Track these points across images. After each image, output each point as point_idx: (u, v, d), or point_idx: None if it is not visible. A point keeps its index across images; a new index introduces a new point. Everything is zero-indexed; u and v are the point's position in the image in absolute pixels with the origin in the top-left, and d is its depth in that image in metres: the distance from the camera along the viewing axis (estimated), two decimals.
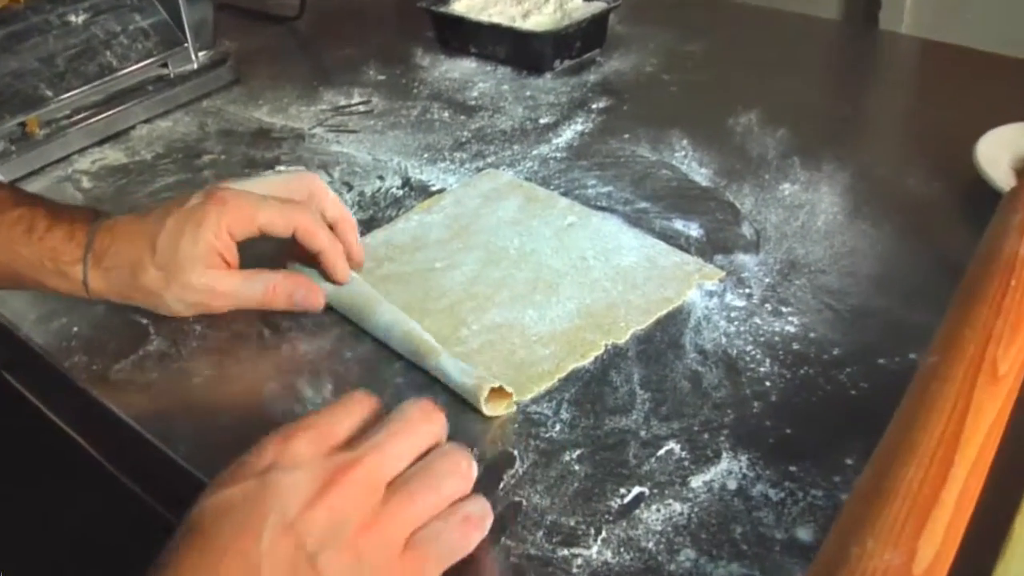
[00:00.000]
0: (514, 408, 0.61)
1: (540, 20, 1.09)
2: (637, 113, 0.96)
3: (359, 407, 0.52)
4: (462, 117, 0.97)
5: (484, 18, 1.09)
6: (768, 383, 0.61)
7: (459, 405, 0.61)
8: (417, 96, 1.03)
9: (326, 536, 0.45)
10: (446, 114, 0.98)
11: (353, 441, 0.49)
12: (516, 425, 0.60)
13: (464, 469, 0.50)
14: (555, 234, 0.76)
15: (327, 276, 0.70)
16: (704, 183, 0.83)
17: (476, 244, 0.76)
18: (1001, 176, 0.78)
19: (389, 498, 0.47)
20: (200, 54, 1.10)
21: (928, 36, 1.09)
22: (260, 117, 1.01)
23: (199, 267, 0.66)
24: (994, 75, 0.99)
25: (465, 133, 0.94)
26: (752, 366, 0.63)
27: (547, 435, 0.59)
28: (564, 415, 0.60)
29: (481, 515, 0.50)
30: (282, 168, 0.90)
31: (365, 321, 0.68)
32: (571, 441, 0.58)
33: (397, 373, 0.65)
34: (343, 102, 1.03)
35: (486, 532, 0.50)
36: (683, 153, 0.88)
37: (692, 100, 0.99)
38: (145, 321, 0.71)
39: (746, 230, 0.76)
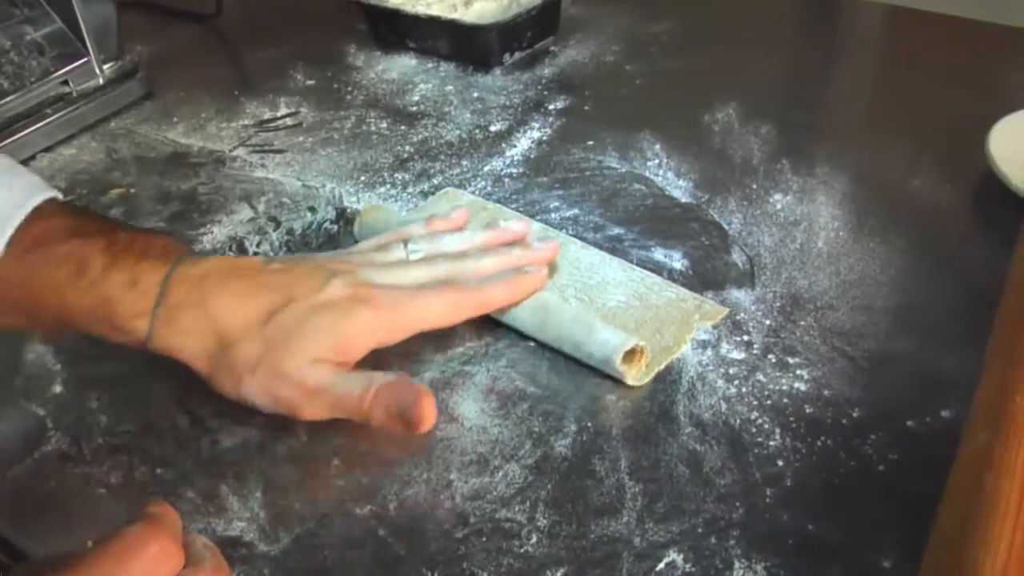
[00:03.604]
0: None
1: (485, 9, 0.97)
2: (600, 114, 0.85)
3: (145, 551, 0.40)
4: (402, 127, 0.86)
5: (422, 9, 0.97)
6: (780, 462, 0.52)
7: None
8: (351, 104, 0.91)
9: None
10: (384, 124, 0.87)
11: None
12: (484, 539, 0.49)
13: None
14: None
15: None
16: (683, 199, 0.73)
17: None
18: (1018, 174, 0.68)
19: None
20: (105, 67, 0.97)
21: (922, 7, 0.98)
22: (175, 138, 0.89)
23: (305, 360, 0.54)
24: (1003, 51, 0.89)
25: (407, 147, 0.83)
26: (760, 439, 0.53)
27: (522, 550, 0.49)
28: (541, 521, 0.50)
29: None
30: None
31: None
32: (551, 557, 0.48)
33: (336, 473, 0.54)
34: (268, 115, 0.91)
35: None
36: (656, 161, 0.77)
37: (661, 94, 0.88)
38: (42, 412, 0.60)
39: (737, 257, 0.66)
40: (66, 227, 0.56)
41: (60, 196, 0.59)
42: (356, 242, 0.69)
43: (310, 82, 0.96)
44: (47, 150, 0.90)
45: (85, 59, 0.95)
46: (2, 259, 0.55)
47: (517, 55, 0.96)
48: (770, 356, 0.58)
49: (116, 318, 0.54)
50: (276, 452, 0.56)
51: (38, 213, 0.56)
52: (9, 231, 0.55)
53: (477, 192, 0.76)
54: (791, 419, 0.54)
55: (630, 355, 0.57)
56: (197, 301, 0.55)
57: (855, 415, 0.54)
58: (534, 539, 0.49)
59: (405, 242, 0.62)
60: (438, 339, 0.61)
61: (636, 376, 0.57)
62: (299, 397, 0.54)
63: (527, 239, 0.65)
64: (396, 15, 0.98)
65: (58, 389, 0.62)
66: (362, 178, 0.79)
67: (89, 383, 0.62)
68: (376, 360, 0.57)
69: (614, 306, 0.62)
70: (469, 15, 0.96)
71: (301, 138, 0.86)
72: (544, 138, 0.82)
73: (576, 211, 0.72)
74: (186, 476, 0.55)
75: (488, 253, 0.62)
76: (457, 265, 0.60)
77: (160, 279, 0.55)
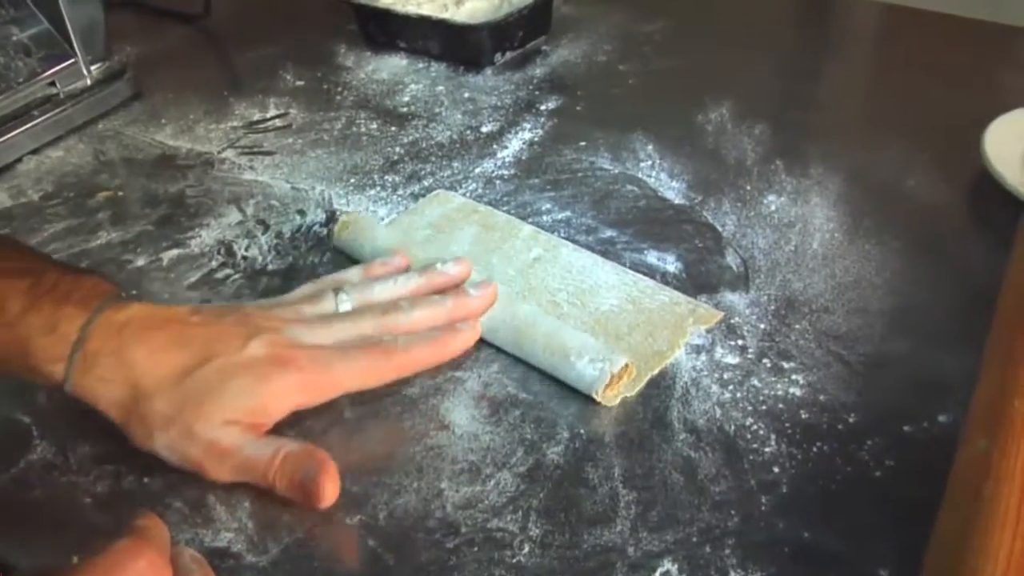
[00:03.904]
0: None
1: (476, 8, 0.96)
2: (592, 114, 0.84)
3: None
4: (392, 128, 0.85)
5: (412, 9, 0.96)
6: (776, 468, 0.51)
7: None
8: (341, 104, 0.90)
9: None
10: (374, 125, 0.86)
11: None
12: (475, 549, 0.48)
13: None
14: (519, 272, 0.65)
15: None
16: (677, 200, 0.72)
17: None
18: (1014, 174, 0.68)
19: None
20: (93, 68, 0.96)
21: (917, 5, 0.97)
22: (163, 140, 0.88)
23: (218, 421, 0.53)
24: (999, 50, 0.88)
25: (397, 149, 0.82)
26: (755, 446, 0.52)
27: (514, 560, 0.48)
28: (533, 531, 0.49)
29: None
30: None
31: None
32: (544, 567, 0.48)
33: None
34: (257, 116, 0.90)
35: None
36: (649, 162, 0.76)
37: (654, 94, 0.87)
38: (27, 420, 0.59)
39: (731, 260, 0.65)
40: None
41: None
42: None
43: (300, 83, 0.95)
44: (34, 152, 0.88)
45: (72, 60, 0.94)
46: None
47: (508, 55, 0.95)
48: (765, 360, 0.57)
49: (32, 360, 0.53)
50: None
51: None
52: None
53: (468, 194, 0.75)
54: (786, 425, 0.53)
55: (613, 378, 0.55)
56: (115, 350, 0.53)
57: (851, 420, 0.53)
58: (526, 549, 0.48)
59: (336, 291, 0.60)
60: None
61: (622, 391, 0.56)
62: (207, 458, 0.53)
63: (463, 284, 0.63)
64: (387, 15, 0.97)
65: (43, 397, 0.60)
66: (352, 180, 0.78)
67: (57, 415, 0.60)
68: None
69: (607, 310, 0.61)
70: (460, 15, 0.95)
71: (290, 140, 0.86)
72: (536, 139, 0.81)
73: (568, 213, 0.71)
74: (173, 486, 0.54)
75: (419, 305, 0.60)
76: (384, 320, 0.58)
77: (79, 325, 0.53)
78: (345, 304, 0.60)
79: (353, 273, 0.64)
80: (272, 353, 0.54)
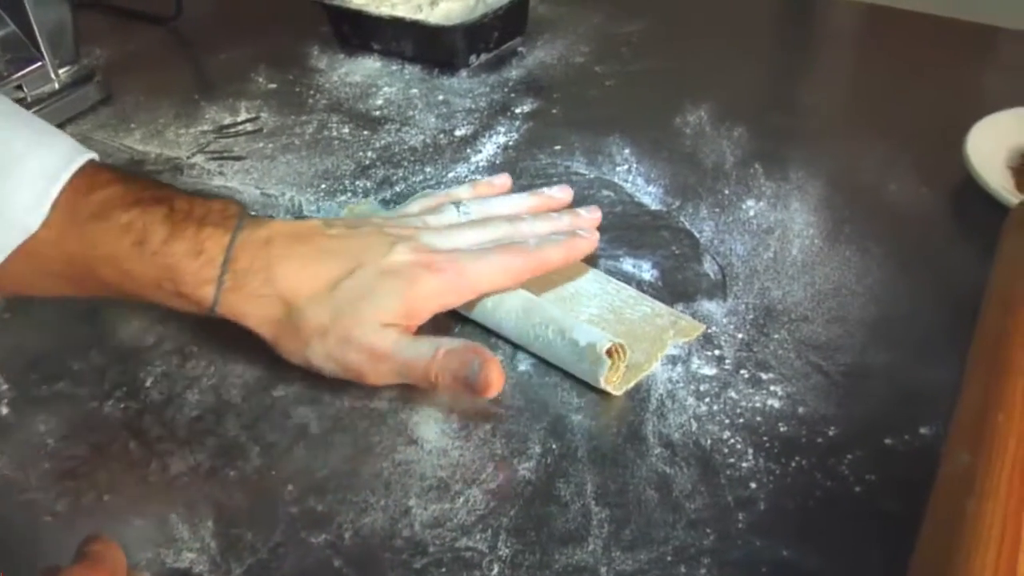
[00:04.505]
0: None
1: (450, 9, 0.95)
2: (568, 117, 0.83)
3: None
4: (365, 132, 0.83)
5: (386, 10, 0.94)
6: (753, 484, 0.49)
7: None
8: (313, 108, 0.88)
9: None
10: (346, 129, 0.84)
11: None
12: (443, 570, 0.47)
13: None
14: None
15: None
16: (653, 206, 0.70)
17: None
18: (997, 178, 0.67)
19: None
20: (61, 71, 0.94)
21: (900, 6, 0.95)
22: (132, 145, 0.86)
23: (374, 325, 0.54)
24: (982, 51, 0.87)
25: (369, 153, 0.80)
26: (732, 460, 0.51)
27: None
28: (503, 550, 0.48)
29: None
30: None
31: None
32: None
33: (289, 500, 0.51)
34: (228, 120, 0.88)
35: None
36: (625, 167, 0.75)
37: (631, 96, 0.86)
38: None
39: (709, 267, 0.64)
40: (123, 195, 0.55)
41: (97, 158, 0.57)
42: None
43: (272, 85, 0.93)
44: None
45: (39, 63, 0.92)
46: (57, 227, 0.53)
47: (484, 56, 0.93)
48: (742, 371, 0.56)
49: (182, 286, 0.54)
50: (227, 477, 0.53)
51: (87, 179, 0.55)
52: (54, 192, 0.53)
53: None
54: (764, 438, 0.52)
55: (609, 358, 0.54)
56: (263, 267, 0.54)
57: (831, 433, 0.52)
58: (496, 570, 0.47)
59: (456, 204, 0.62)
60: None
61: (612, 379, 0.55)
62: (367, 362, 0.54)
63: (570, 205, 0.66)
64: (360, 16, 0.95)
65: (4, 411, 0.59)
66: (322, 186, 0.77)
67: (37, 405, 0.59)
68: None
69: (586, 319, 0.59)
70: (434, 16, 0.94)
71: (261, 144, 0.84)
72: (510, 143, 0.80)
73: None
74: (135, 503, 0.53)
75: (539, 217, 0.62)
76: (513, 227, 0.60)
77: (224, 246, 0.54)
78: (468, 215, 0.62)
79: (462, 190, 0.67)
80: (415, 258, 0.56)
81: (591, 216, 0.64)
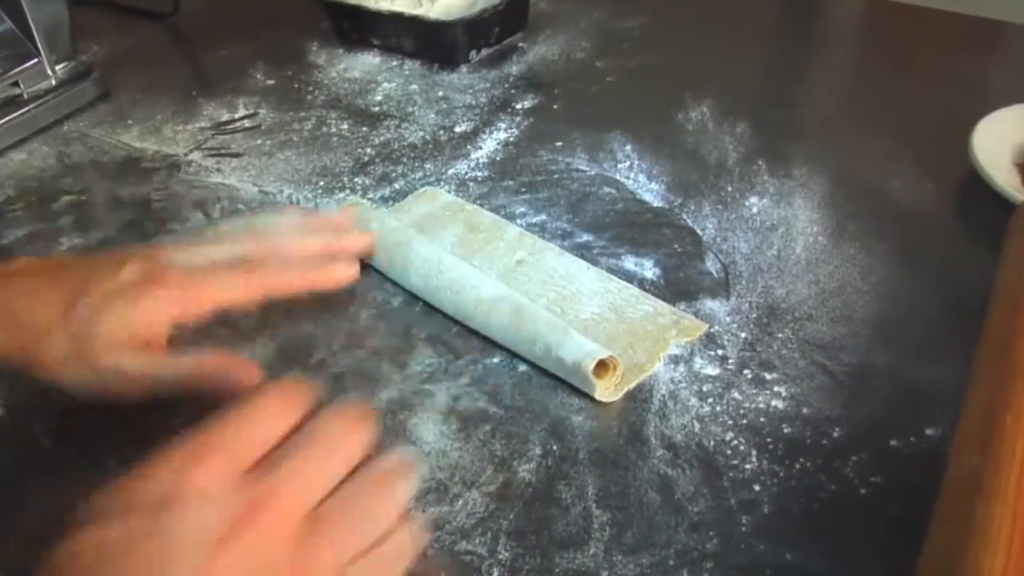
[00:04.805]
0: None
1: (451, 4, 0.94)
2: (569, 113, 0.82)
3: (281, 409, 0.42)
4: (364, 129, 0.83)
5: (385, 5, 0.93)
6: (757, 486, 0.49)
7: None
8: (311, 104, 0.87)
9: None
10: (345, 126, 0.83)
11: (267, 459, 0.40)
12: (442, 574, 0.46)
13: (398, 496, 0.42)
14: (501, 275, 0.63)
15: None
16: (655, 203, 0.69)
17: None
18: (1003, 175, 0.66)
19: (312, 538, 0.39)
20: (58, 67, 0.93)
21: (905, 0, 0.95)
22: (129, 142, 0.86)
23: (114, 348, 0.53)
24: (988, 46, 0.86)
25: (368, 150, 0.79)
26: (735, 462, 0.50)
27: None
28: (503, 554, 0.47)
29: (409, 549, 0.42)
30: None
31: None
32: None
33: None
34: (225, 116, 0.87)
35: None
36: (627, 163, 0.74)
37: (633, 92, 0.85)
38: None
39: (711, 265, 0.63)
40: None
41: None
42: None
43: (270, 82, 0.93)
44: None
45: (36, 60, 0.91)
46: None
47: (484, 52, 0.92)
48: (746, 372, 0.55)
49: None
50: None
51: None
52: None
53: None
54: (768, 440, 0.51)
55: (602, 368, 0.54)
56: (5, 298, 0.54)
57: (835, 435, 0.51)
58: (496, 573, 0.46)
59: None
60: (395, 355, 0.58)
61: (606, 391, 0.54)
62: (117, 386, 0.54)
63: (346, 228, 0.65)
64: (359, 11, 0.94)
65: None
66: (321, 183, 0.76)
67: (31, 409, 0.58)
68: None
69: (587, 318, 0.59)
70: (434, 11, 0.93)
71: (259, 141, 0.83)
72: (511, 139, 0.79)
73: (543, 217, 0.69)
74: None
75: (294, 233, 0.62)
76: (257, 243, 0.60)
77: None
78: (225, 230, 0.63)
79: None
80: (142, 276, 0.55)
81: (353, 240, 0.64)
